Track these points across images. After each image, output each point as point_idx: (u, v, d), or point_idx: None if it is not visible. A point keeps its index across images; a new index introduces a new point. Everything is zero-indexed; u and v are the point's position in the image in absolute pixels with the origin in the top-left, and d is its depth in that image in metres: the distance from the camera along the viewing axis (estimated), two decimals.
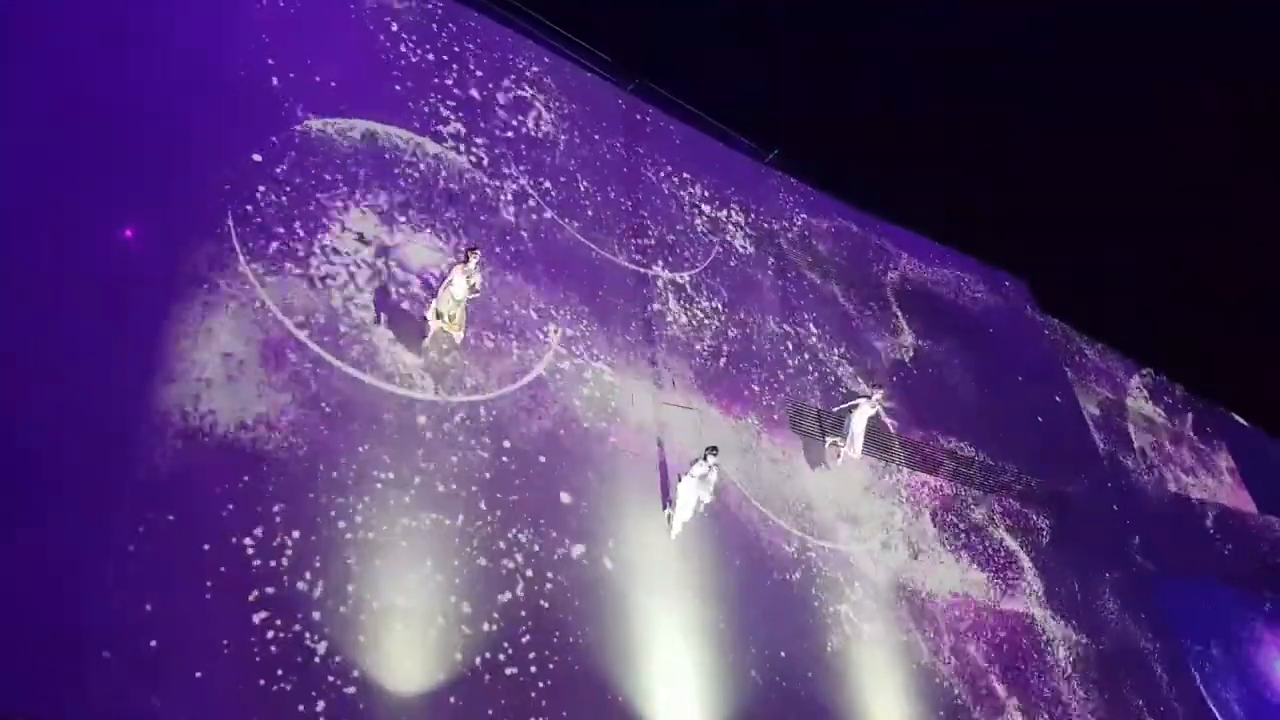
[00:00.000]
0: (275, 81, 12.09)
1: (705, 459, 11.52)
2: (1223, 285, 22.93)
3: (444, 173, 13.01)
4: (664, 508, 12.10)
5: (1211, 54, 19.82)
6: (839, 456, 14.51)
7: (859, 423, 14.35)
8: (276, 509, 9.20)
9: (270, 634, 8.56)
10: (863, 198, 19.08)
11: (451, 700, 9.18)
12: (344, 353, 10.61)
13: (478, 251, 11.20)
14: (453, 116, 13.70)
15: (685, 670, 10.96)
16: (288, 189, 11.34)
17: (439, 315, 11.11)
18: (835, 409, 14.94)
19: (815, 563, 13.26)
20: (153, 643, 7.95)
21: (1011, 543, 16.33)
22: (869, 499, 14.72)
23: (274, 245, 10.81)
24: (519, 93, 14.75)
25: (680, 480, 11.76)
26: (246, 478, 9.19)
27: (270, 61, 12.21)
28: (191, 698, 7.94)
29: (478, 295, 11.28)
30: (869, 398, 14.41)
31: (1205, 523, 21.05)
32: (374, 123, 12.72)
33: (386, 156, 12.55)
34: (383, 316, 11.19)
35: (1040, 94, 20.65)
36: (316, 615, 8.86)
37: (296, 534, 9.18)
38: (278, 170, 11.41)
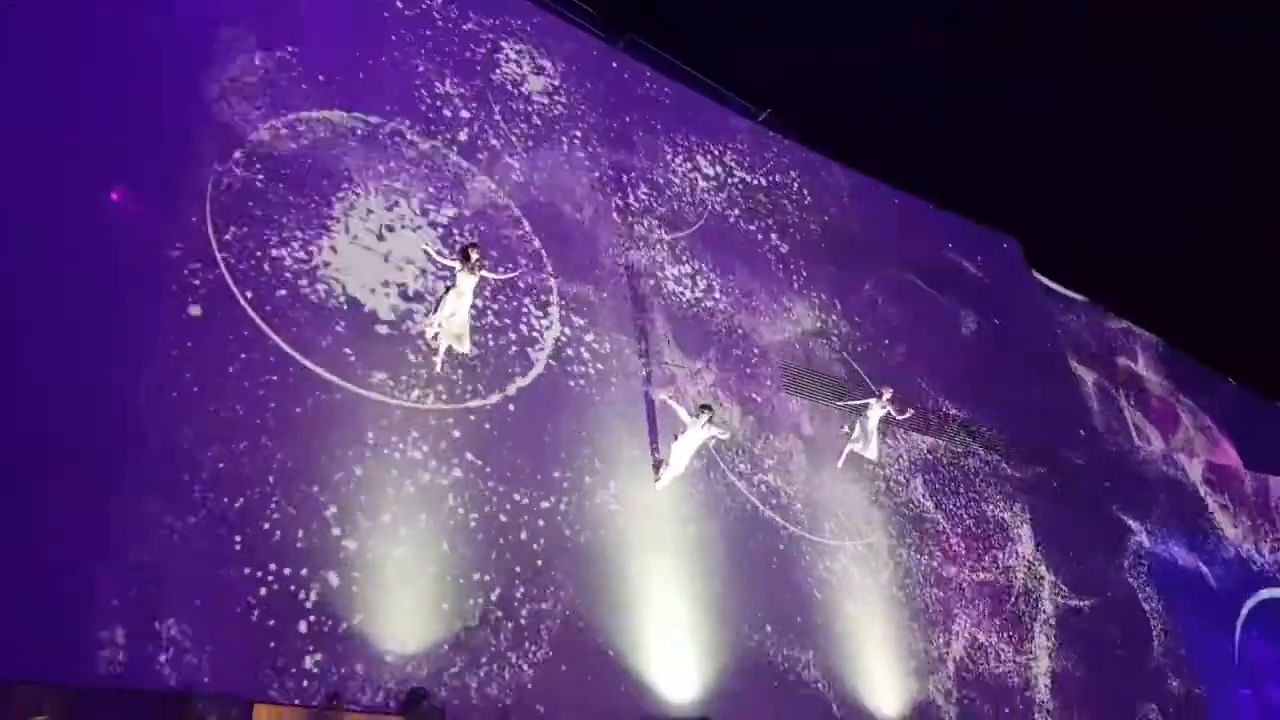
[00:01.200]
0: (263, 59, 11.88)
1: (699, 417, 11.66)
2: (1217, 245, 22.96)
3: (435, 147, 12.81)
4: (655, 464, 12.25)
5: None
6: (842, 457, 14.39)
7: (872, 423, 14.14)
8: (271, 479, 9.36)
9: (263, 590, 8.76)
10: (856, 157, 19.02)
11: (445, 649, 9.43)
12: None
13: (477, 249, 10.47)
14: (446, 88, 13.46)
15: (678, 621, 11.23)
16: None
17: (438, 329, 10.42)
18: (841, 403, 14.84)
19: (801, 518, 13.50)
20: (151, 597, 8.14)
21: (1000, 502, 16.54)
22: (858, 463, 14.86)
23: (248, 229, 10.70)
24: (511, 56, 14.57)
25: (676, 439, 11.91)
26: (244, 444, 9.34)
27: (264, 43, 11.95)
28: (188, 656, 8.14)
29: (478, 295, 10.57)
30: (879, 397, 14.17)
31: (1194, 481, 21.31)
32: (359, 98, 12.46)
33: (370, 135, 12.33)
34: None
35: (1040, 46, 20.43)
36: (305, 568, 9.04)
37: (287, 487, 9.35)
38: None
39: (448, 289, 10.38)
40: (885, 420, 14.31)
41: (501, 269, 11.58)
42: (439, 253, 10.87)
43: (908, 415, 14.57)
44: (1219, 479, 21.92)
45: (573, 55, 15.32)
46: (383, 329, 10.77)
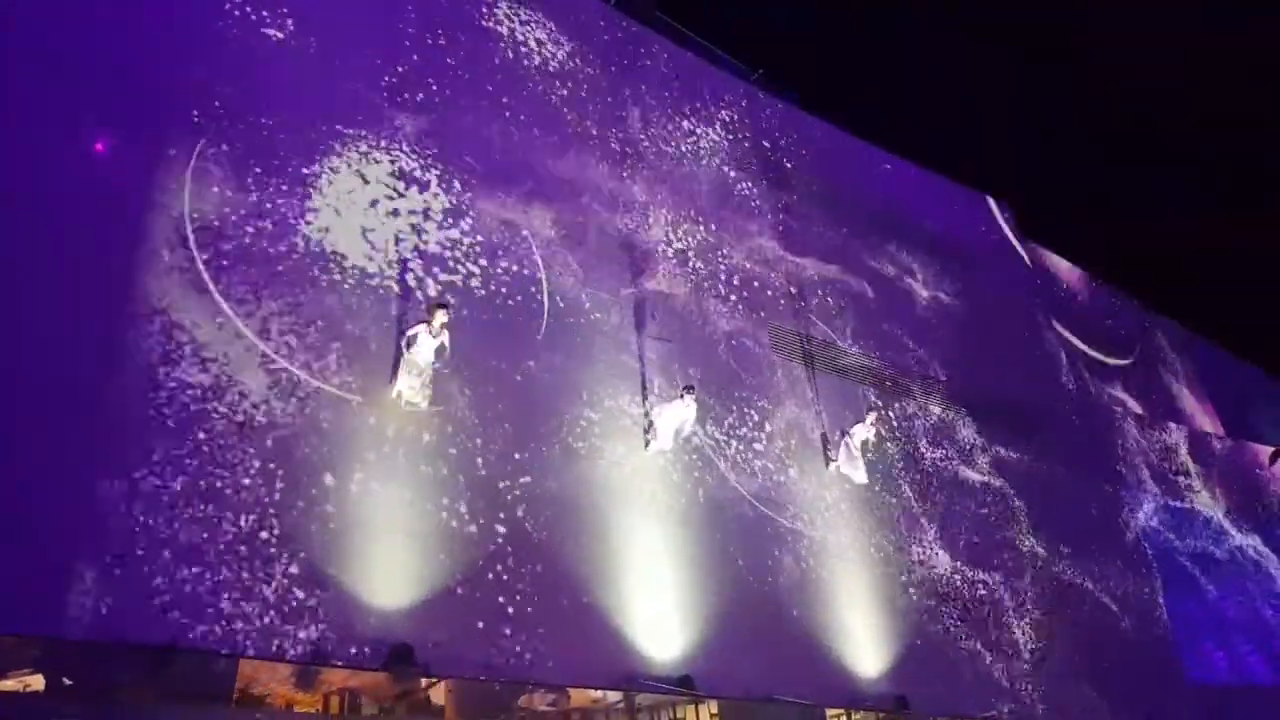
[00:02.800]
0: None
1: (682, 398, 11.93)
2: (1198, 212, 23.00)
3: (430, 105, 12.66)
4: (646, 428, 12.33)
5: None
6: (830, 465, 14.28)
7: (857, 446, 14.10)
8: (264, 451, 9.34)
9: (247, 546, 8.78)
10: (847, 117, 18.90)
11: (429, 607, 9.49)
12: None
13: (446, 310, 10.09)
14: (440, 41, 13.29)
15: (661, 580, 11.34)
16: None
17: (399, 392, 10.10)
18: (837, 439, 14.44)
19: (780, 486, 13.61)
20: (134, 551, 8.15)
21: (982, 465, 16.69)
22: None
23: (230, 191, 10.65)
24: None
25: (660, 413, 12.13)
26: (225, 399, 9.30)
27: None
28: (172, 611, 8.17)
29: (444, 357, 10.16)
30: (863, 422, 14.18)
31: (1173, 445, 21.53)
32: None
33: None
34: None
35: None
36: (291, 524, 9.07)
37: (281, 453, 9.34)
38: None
39: (411, 348, 9.98)
40: (869, 441, 14.18)
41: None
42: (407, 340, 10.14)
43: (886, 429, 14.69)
44: (1198, 444, 22.16)
45: (562, 10, 15.11)
46: (369, 282, 10.72)
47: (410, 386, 10.12)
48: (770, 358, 14.69)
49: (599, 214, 13.75)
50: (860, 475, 14.09)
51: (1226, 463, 22.41)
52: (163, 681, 7.99)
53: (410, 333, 10.06)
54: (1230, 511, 21.45)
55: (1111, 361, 21.63)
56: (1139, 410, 21.31)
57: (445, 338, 10.04)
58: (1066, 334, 20.71)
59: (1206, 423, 22.85)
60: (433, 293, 11.17)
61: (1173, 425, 21.81)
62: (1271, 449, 22.54)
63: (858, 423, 14.30)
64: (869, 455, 14.30)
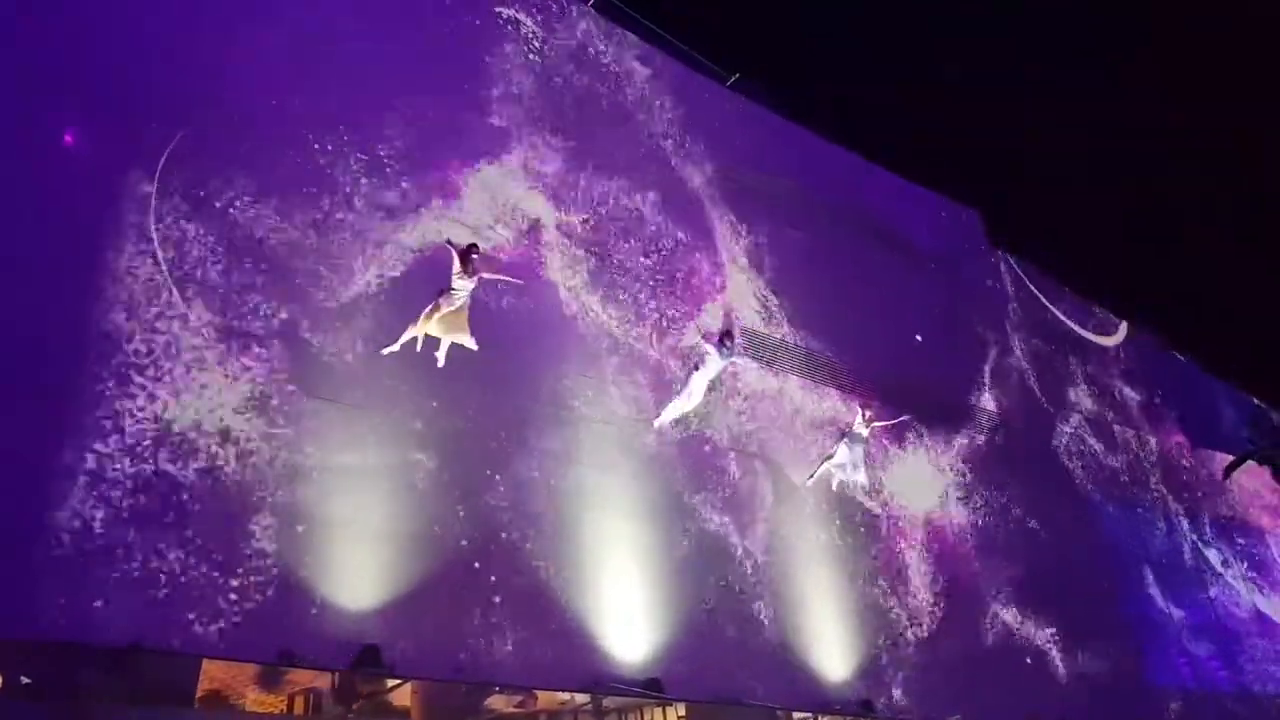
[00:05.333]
0: None
1: (722, 347, 11.65)
2: (1169, 221, 23.23)
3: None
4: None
5: None
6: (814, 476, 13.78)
7: (860, 446, 13.43)
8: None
9: (212, 545, 8.71)
10: (821, 124, 18.95)
11: (398, 608, 9.46)
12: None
13: (478, 249, 10.00)
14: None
15: (632, 582, 11.37)
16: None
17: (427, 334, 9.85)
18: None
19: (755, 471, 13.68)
20: (94, 551, 8.07)
21: (942, 462, 16.78)
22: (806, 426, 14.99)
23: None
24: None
25: (696, 370, 11.92)
26: (191, 390, 9.23)
27: None
28: (134, 612, 8.09)
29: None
30: (860, 415, 13.58)
31: (1135, 450, 21.77)
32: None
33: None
34: None
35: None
36: (258, 523, 9.02)
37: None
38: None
39: (441, 293, 9.81)
40: (867, 442, 13.55)
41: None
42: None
43: (893, 421, 14.01)
44: (1165, 457, 22.44)
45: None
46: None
47: (453, 333, 9.86)
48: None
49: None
50: (863, 477, 13.51)
51: (1190, 471, 22.73)
52: (124, 682, 7.89)
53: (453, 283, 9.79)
54: (1195, 519, 21.77)
55: (1100, 340, 21.84)
56: (1100, 413, 21.49)
57: (476, 280, 9.82)
58: (1036, 343, 20.89)
59: (1171, 431, 23.10)
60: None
61: (1138, 432, 22.07)
62: (1229, 461, 22.84)
63: (843, 437, 13.64)
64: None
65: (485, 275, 10.13)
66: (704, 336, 12.21)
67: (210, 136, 10.33)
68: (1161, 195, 21.48)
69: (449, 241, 10.17)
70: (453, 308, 9.84)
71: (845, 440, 13.51)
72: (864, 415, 13.55)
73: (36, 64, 9.55)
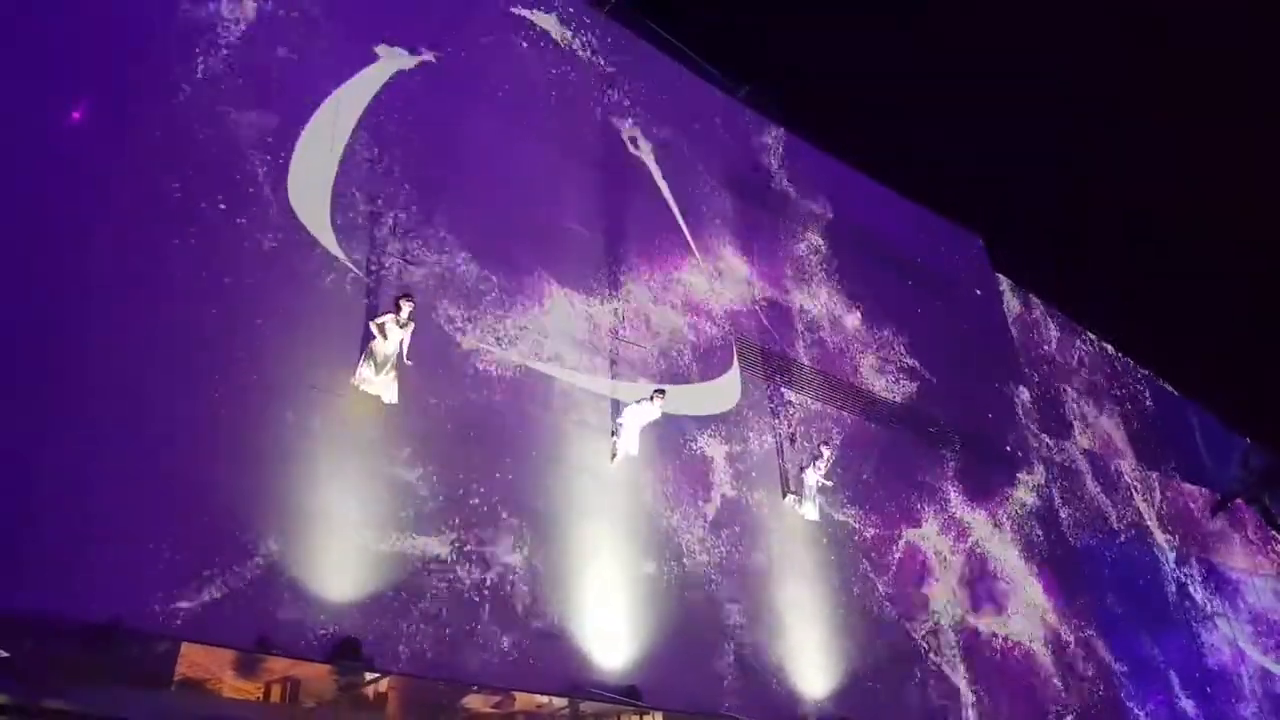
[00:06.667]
0: None
1: (652, 399, 12.01)
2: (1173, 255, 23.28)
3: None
4: (611, 433, 12.34)
5: None
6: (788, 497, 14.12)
7: (810, 485, 13.90)
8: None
9: (196, 530, 8.70)
10: (831, 141, 19.03)
11: (378, 602, 9.45)
12: None
13: (411, 301, 10.10)
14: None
15: (612, 590, 11.37)
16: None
17: (363, 379, 10.04)
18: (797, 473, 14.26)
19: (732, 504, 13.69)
20: (78, 530, 8.06)
21: (931, 484, 16.80)
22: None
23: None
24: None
25: (627, 417, 12.13)
26: (183, 383, 9.22)
27: None
28: (117, 593, 8.08)
29: (405, 349, 10.12)
30: (818, 461, 13.97)
31: (1128, 486, 21.81)
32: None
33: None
34: None
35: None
36: (243, 513, 9.01)
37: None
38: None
39: (376, 338, 9.97)
40: (820, 483, 13.96)
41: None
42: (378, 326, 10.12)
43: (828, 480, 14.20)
44: (1154, 487, 22.48)
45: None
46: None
47: (370, 378, 10.05)
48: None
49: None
50: (812, 513, 13.93)
51: (1175, 505, 22.77)
52: (102, 661, 7.87)
53: (379, 320, 10.05)
54: (1179, 553, 21.80)
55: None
56: (1091, 442, 21.54)
57: (409, 331, 10.05)
58: (1029, 369, 20.94)
59: (1154, 465, 23.10)
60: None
61: (1125, 464, 22.10)
62: (1217, 499, 22.88)
63: (816, 459, 14.03)
64: (822, 492, 14.12)
65: (408, 334, 10.16)
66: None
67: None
68: (1162, 231, 21.62)
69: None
70: (384, 355, 9.98)
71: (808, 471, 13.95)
72: (823, 457, 13.98)
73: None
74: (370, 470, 10.00)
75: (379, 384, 10.10)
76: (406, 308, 10.01)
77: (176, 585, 8.36)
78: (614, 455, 12.21)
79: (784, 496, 14.16)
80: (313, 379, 9.98)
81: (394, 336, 10.02)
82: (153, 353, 9.09)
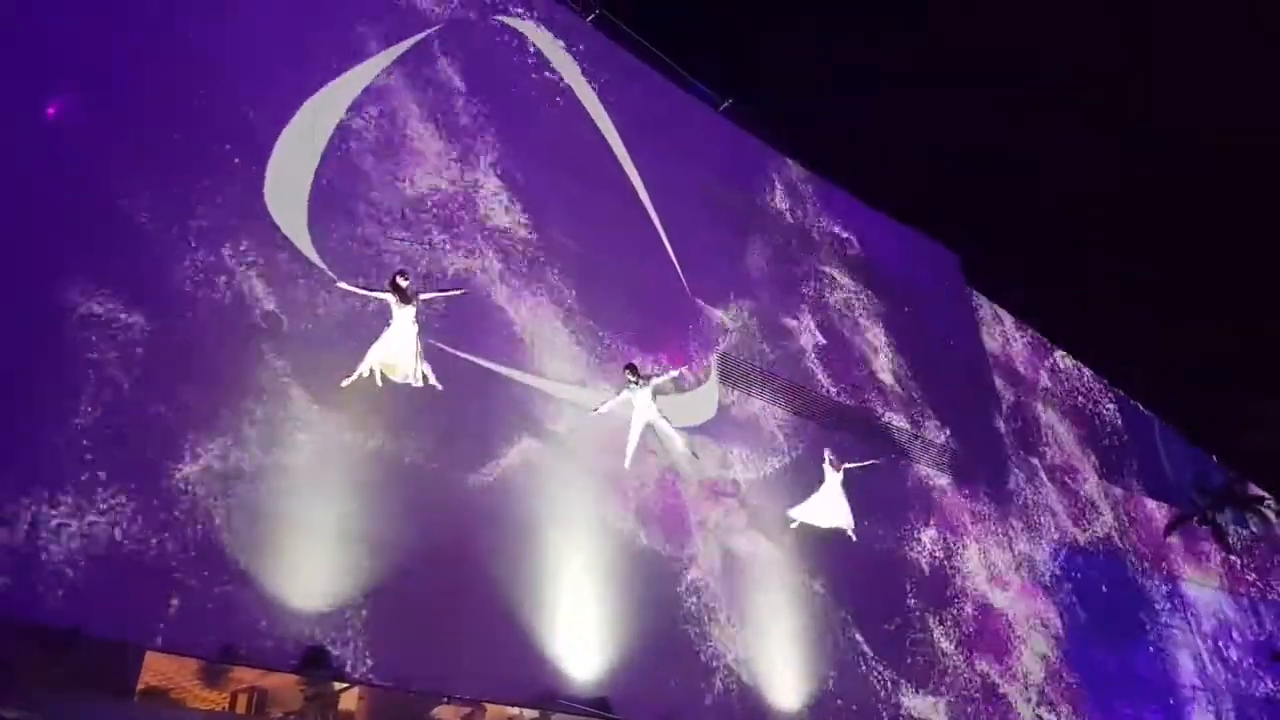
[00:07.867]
0: None
1: (634, 386, 11.16)
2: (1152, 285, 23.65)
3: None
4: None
5: None
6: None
7: (835, 493, 13.02)
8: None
9: (160, 537, 8.55)
10: (807, 156, 19.11)
11: (346, 611, 9.32)
12: None
13: (405, 275, 9.77)
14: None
15: (583, 599, 11.30)
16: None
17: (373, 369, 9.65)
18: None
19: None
20: (41, 534, 7.89)
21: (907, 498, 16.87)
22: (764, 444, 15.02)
23: None
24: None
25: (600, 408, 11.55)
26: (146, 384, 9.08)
27: None
28: (78, 598, 7.91)
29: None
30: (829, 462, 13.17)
31: (1098, 505, 22.00)
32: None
33: None
34: None
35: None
36: (208, 519, 8.89)
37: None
38: None
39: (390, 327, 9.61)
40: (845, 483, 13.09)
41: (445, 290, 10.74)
42: (365, 287, 10.04)
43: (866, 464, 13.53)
44: (1125, 508, 22.71)
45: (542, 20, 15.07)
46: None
47: (400, 370, 9.69)
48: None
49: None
50: (846, 521, 13.06)
51: (1139, 520, 23.01)
52: (62, 668, 7.69)
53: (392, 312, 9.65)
54: (1143, 567, 22.04)
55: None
56: (1061, 458, 21.72)
57: (417, 308, 9.67)
58: (1003, 386, 21.13)
59: (1118, 480, 23.31)
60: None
61: (1091, 479, 22.31)
62: (1172, 517, 23.07)
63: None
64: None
65: (424, 297, 9.96)
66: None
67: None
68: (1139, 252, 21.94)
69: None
70: (400, 338, 9.64)
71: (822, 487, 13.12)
72: (828, 459, 13.18)
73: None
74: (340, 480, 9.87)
75: (402, 370, 9.71)
76: (402, 283, 9.63)
77: (140, 590, 8.21)
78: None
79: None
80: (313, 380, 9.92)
81: (403, 316, 9.59)
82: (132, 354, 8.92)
